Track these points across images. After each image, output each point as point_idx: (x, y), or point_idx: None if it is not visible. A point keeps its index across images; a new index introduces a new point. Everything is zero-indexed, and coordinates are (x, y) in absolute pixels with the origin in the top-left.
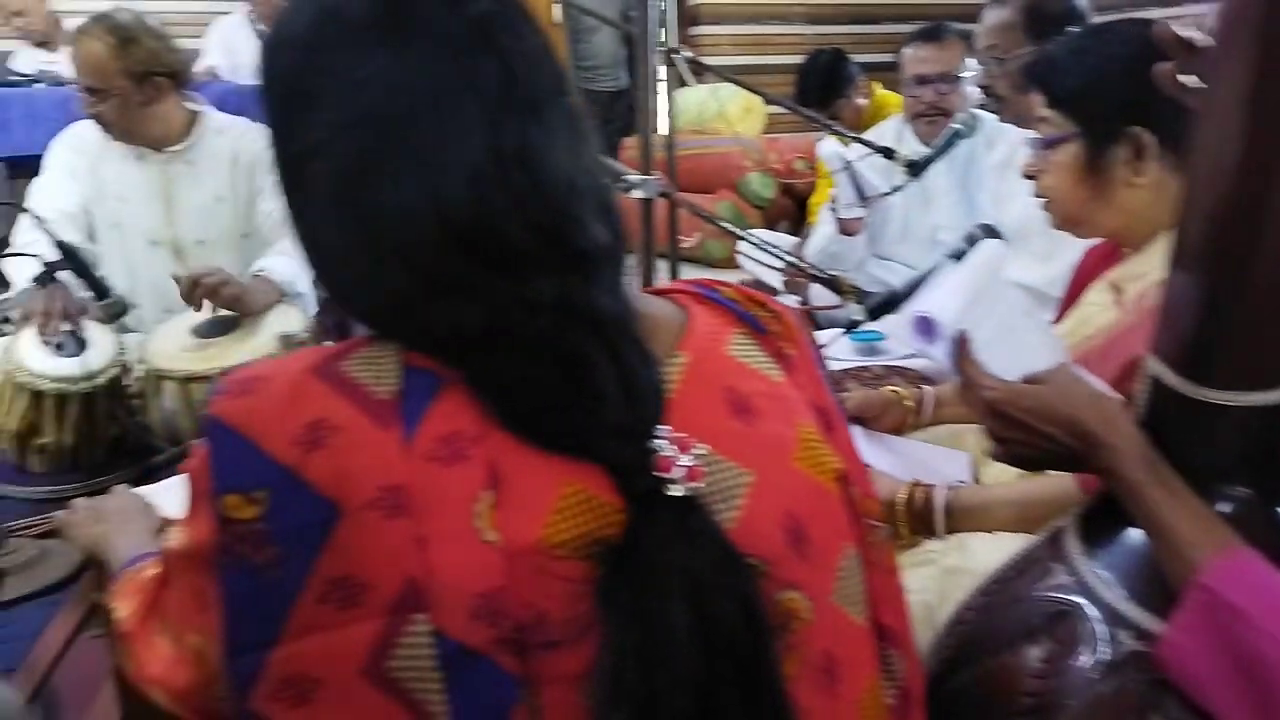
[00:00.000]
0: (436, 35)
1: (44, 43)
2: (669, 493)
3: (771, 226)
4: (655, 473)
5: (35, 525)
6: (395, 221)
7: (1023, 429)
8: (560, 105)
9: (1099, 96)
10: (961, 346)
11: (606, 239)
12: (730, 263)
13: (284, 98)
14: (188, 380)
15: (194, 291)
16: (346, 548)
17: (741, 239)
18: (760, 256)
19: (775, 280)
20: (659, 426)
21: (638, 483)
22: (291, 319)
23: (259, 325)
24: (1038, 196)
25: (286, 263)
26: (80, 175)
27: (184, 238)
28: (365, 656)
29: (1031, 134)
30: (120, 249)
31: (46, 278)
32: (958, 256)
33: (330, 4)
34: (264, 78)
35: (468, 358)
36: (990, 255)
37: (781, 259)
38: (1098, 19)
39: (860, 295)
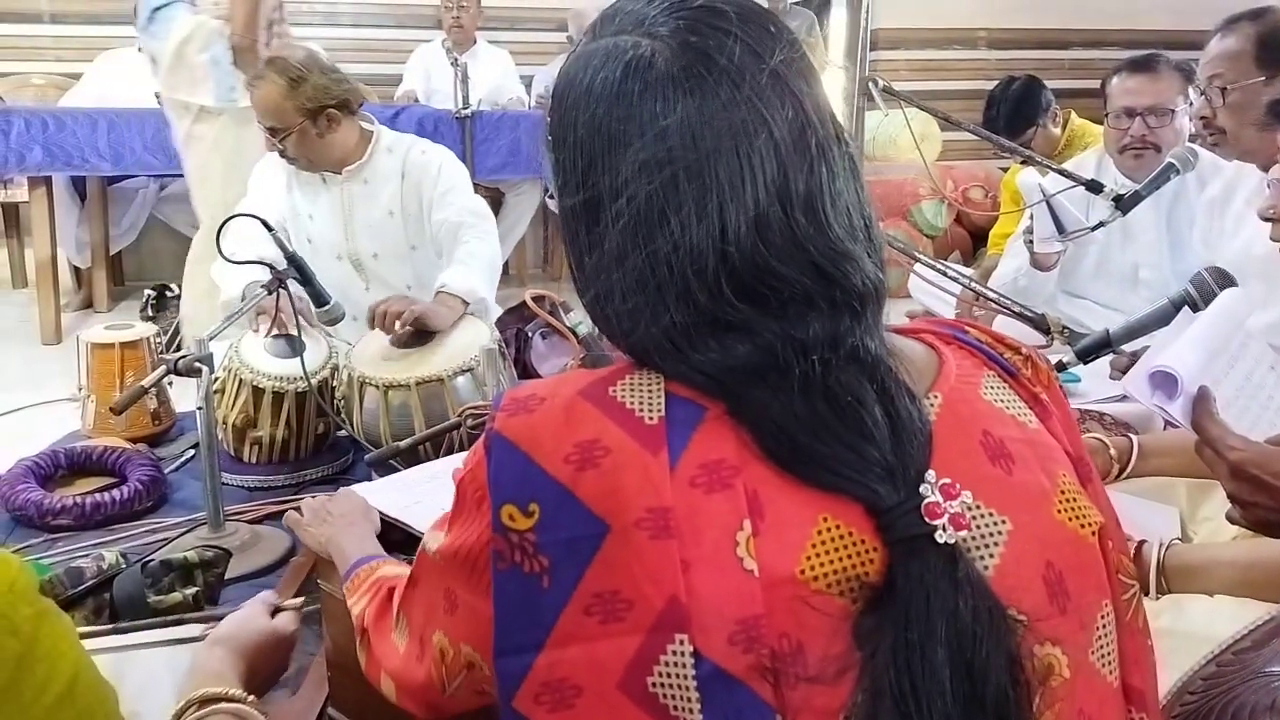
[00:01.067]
0: (739, 83)
1: None
2: (937, 539)
3: (943, 257)
4: (923, 518)
5: (249, 511)
6: (680, 259)
7: (1272, 493)
8: (843, 148)
9: None
10: (1203, 403)
11: (877, 277)
12: (899, 292)
13: (585, 142)
14: (388, 387)
15: (385, 320)
16: (613, 563)
17: (935, 269)
18: (944, 285)
19: (949, 314)
20: (927, 471)
21: (901, 525)
22: (483, 333)
23: (450, 337)
24: (1276, 240)
25: (465, 273)
26: (279, 197)
27: (361, 251)
28: (624, 670)
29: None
30: (312, 263)
31: (275, 284)
32: (1179, 305)
33: (638, 56)
34: (560, 124)
35: (733, 391)
36: (1233, 304)
37: (980, 293)
38: None
39: (1071, 336)
